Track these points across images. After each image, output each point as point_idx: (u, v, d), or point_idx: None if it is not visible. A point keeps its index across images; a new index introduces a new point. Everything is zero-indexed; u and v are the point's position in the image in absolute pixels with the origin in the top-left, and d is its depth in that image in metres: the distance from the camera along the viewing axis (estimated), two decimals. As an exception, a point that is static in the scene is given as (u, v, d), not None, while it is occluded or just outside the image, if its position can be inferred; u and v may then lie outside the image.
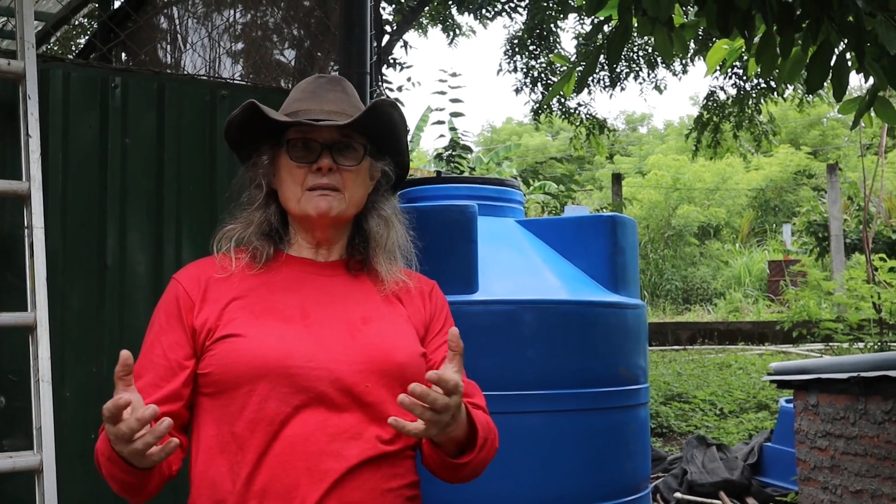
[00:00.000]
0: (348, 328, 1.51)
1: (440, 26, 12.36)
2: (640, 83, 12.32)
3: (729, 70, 11.06)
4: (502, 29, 40.86)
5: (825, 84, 2.44)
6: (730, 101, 11.94)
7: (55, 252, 2.50)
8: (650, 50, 11.50)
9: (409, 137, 3.14)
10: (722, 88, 12.10)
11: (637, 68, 11.95)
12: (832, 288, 9.09)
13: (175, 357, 1.49)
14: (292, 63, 3.75)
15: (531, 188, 16.04)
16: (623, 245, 2.88)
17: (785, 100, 12.38)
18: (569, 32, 24.15)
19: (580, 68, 2.91)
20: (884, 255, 8.23)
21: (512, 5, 11.18)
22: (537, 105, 12.18)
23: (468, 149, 13.28)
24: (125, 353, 1.27)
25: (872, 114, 2.68)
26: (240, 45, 3.92)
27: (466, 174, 11.30)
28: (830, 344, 9.12)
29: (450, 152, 12.63)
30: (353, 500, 1.42)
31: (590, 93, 12.42)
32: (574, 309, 2.67)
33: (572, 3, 10.31)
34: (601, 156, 15.42)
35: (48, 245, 2.38)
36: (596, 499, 2.63)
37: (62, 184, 2.58)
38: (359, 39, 3.03)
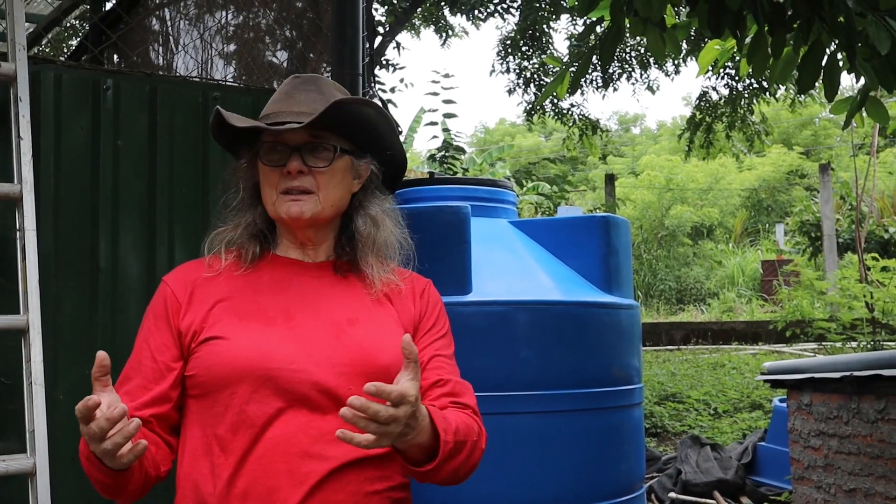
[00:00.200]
0: (333, 330, 1.50)
1: (433, 27, 12.36)
2: (633, 84, 12.36)
3: (721, 70, 11.07)
4: (495, 30, 40.92)
5: (817, 84, 2.45)
6: (722, 101, 11.97)
7: (47, 254, 2.49)
8: (642, 50, 11.54)
9: (401, 136, 3.12)
10: (714, 89, 12.14)
11: (629, 69, 11.97)
12: (825, 287, 9.09)
13: (163, 359, 1.49)
14: (284, 64, 3.75)
15: (524, 189, 16.07)
16: (616, 245, 2.88)
17: (777, 100, 12.40)
18: (561, 33, 24.23)
19: (573, 69, 2.92)
20: (876, 255, 8.24)
21: (504, 6, 11.17)
22: (530, 106, 12.18)
23: (461, 150, 13.26)
24: (101, 354, 1.27)
25: (864, 114, 2.69)
26: (232, 47, 3.91)
27: (459, 175, 11.31)
28: (823, 343, 9.14)
29: (443, 153, 12.61)
30: (336, 503, 1.40)
31: (582, 93, 12.48)
32: (568, 309, 2.67)
33: (564, 4, 10.31)
34: (594, 156, 15.43)
35: (40, 247, 2.37)
36: (590, 499, 2.62)
37: (54, 186, 2.56)
38: (351, 41, 3.03)
